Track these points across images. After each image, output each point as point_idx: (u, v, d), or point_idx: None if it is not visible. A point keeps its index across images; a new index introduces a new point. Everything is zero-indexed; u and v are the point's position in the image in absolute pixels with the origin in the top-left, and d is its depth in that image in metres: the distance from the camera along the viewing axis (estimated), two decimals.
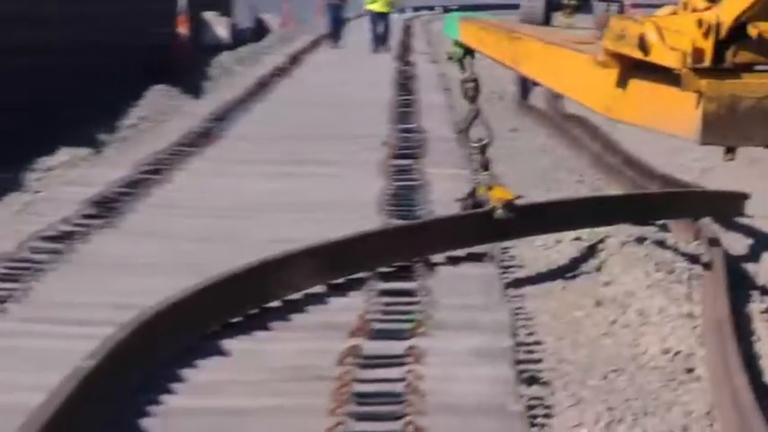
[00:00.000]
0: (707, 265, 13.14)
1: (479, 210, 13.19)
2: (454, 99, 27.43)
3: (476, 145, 13.75)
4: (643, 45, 11.65)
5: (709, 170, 18.68)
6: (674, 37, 11.60)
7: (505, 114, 25.68)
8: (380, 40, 41.60)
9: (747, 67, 11.88)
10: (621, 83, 11.99)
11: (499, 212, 12.73)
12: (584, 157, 21.79)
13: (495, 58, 14.34)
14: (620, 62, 11.86)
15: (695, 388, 9.81)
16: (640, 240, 14.30)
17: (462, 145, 18.48)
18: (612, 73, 11.89)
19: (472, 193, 13.72)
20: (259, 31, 49.96)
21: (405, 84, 30.59)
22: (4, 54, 22.22)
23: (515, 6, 33.28)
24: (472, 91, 14.13)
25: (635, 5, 20.26)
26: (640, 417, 9.09)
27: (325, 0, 45.14)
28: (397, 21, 50.97)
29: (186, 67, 31.49)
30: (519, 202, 13.08)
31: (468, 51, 14.37)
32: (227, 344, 9.61)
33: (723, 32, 11.98)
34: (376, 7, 41.86)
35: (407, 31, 52.12)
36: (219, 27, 41.73)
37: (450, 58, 14.92)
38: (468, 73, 14.24)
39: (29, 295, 10.88)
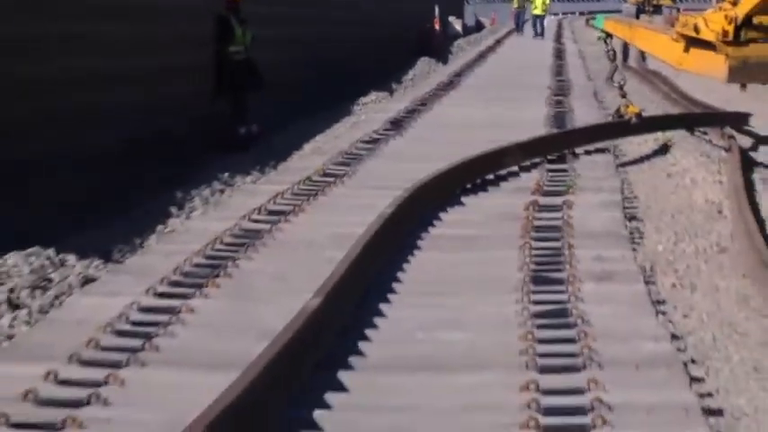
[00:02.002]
0: (728, 151, 12.87)
1: (621, 119, 13.36)
2: (587, 63, 26.94)
3: (617, 85, 14.17)
4: (696, 29, 11.43)
5: (729, 101, 18.10)
6: (713, 24, 11.37)
7: None
8: (538, 32, 40.87)
9: (753, 41, 11.66)
10: (686, 49, 11.89)
11: (633, 120, 13.04)
12: (659, 93, 21.25)
13: (620, 37, 15.42)
14: (685, 39, 11.68)
15: (723, 222, 9.56)
16: (691, 139, 14.06)
17: (600, 88, 18.63)
18: (681, 44, 11.83)
19: (618, 110, 13.74)
20: (478, 27, 49.60)
21: (558, 54, 30.01)
22: (347, 43, 22.25)
23: (619, 11, 32.35)
24: (612, 55, 14.92)
25: (686, 10, 19.74)
26: (693, 237, 8.89)
27: (513, 9, 44.86)
28: (552, 20, 50.16)
29: (439, 47, 31.27)
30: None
31: (608, 35, 15.50)
32: (465, 199, 9.48)
33: (739, 21, 11.69)
34: (537, 12, 41.39)
35: (560, 25, 51.12)
36: (456, 25, 41.46)
37: (599, 39, 16.88)
38: (609, 47, 15.05)
39: (355, 173, 10.84)
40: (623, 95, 13.79)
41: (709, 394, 5.30)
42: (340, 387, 5.04)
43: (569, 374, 5.08)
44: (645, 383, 4.94)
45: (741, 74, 12.15)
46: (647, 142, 13.78)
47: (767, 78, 12.40)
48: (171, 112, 12.55)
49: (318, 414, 4.72)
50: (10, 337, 6.13)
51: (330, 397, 4.90)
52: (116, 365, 5.22)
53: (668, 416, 4.59)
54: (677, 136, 14.17)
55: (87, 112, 10.53)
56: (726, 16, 11.69)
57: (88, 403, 4.78)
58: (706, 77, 12.33)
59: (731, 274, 7.87)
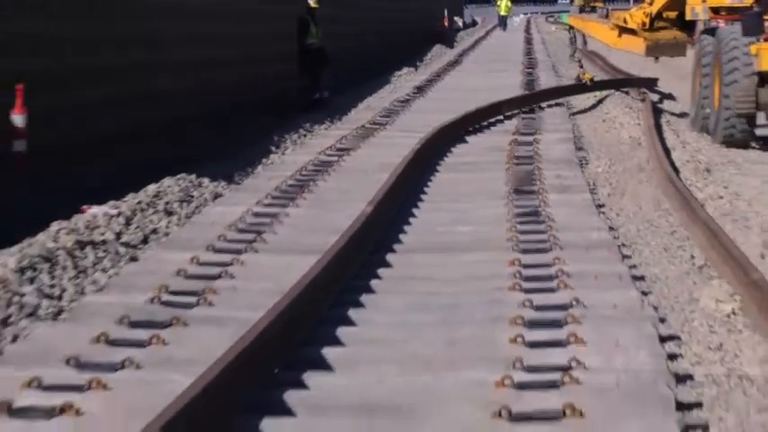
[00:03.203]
0: (643, 103, 12.62)
1: (579, 83, 13.02)
2: (547, 46, 26.35)
3: (576, 59, 14.46)
4: (625, 21, 11.20)
5: (644, 70, 17.64)
6: (635, 17, 11.11)
7: (566, 51, 24.48)
8: (504, 27, 39.65)
9: (663, 28, 11.32)
10: (619, 35, 11.67)
11: (588, 83, 12.78)
12: (597, 66, 20.65)
13: (577, 27, 14.71)
14: (618, 28, 11.45)
15: (642, 150, 9.33)
16: (619, 96, 13.76)
17: (556, 63, 18.22)
18: (615, 31, 11.64)
19: (578, 77, 13.45)
20: (474, 23, 48.61)
21: (528, 41, 29.29)
22: (386, 35, 21.79)
23: (568, 11, 31.29)
24: (573, 41, 15.11)
25: (614, 9, 19.06)
26: (622, 161, 8.69)
27: (496, 11, 43.80)
28: (523, 18, 48.92)
29: (447, 37, 30.69)
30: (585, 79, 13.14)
31: (570, 27, 15.05)
32: (469, 138, 9.38)
33: (653, 15, 11.38)
34: (502, 13, 40.11)
35: (528, 21, 49.92)
36: (459, 21, 40.66)
37: (564, 30, 16.28)
38: (572, 35, 15.18)
39: (393, 122, 10.68)
40: (581, 66, 13.63)
41: (635, 266, 5.22)
42: (387, 264, 5.01)
43: (541, 254, 5.02)
44: (592, 259, 4.88)
45: (654, 51, 12.06)
46: (589, 98, 13.48)
47: (672, 53, 12.26)
48: (270, 84, 12.40)
49: (374, 282, 4.68)
50: (167, 234, 6.13)
51: (380, 271, 4.87)
52: (238, 252, 5.21)
53: (608, 281, 4.53)
54: (609, 93, 13.86)
55: (220, 85, 10.45)
56: (644, 12, 11.56)
57: (220, 277, 4.77)
58: (631, 54, 12.09)
59: (648, 185, 7.74)
